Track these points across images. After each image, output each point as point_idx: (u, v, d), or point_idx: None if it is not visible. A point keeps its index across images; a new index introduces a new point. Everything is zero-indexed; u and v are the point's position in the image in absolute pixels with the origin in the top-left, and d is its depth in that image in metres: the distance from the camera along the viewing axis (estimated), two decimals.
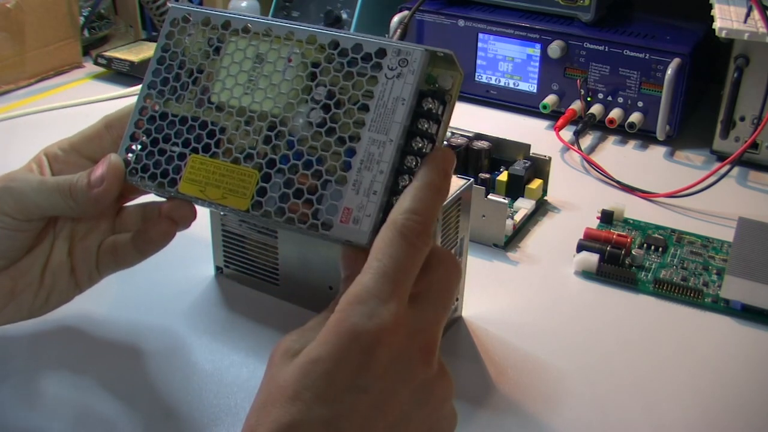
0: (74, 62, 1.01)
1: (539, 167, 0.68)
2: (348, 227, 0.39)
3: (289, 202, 0.40)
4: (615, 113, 0.82)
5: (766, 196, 0.74)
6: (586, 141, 0.83)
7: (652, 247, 0.62)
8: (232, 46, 0.44)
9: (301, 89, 0.41)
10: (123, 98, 0.92)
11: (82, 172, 0.45)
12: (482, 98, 0.91)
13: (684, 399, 0.48)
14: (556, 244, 0.64)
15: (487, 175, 0.67)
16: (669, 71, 0.78)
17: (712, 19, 0.74)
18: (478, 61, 0.89)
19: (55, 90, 0.95)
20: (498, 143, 0.69)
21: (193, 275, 0.59)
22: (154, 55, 0.46)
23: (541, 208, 0.69)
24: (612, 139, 0.84)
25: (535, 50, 0.86)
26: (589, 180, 0.76)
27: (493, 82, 0.90)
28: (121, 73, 0.97)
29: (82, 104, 0.90)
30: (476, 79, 0.90)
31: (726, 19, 0.73)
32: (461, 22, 0.89)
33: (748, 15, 0.72)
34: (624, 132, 0.83)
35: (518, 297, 0.58)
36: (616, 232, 0.63)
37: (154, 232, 0.47)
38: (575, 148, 0.79)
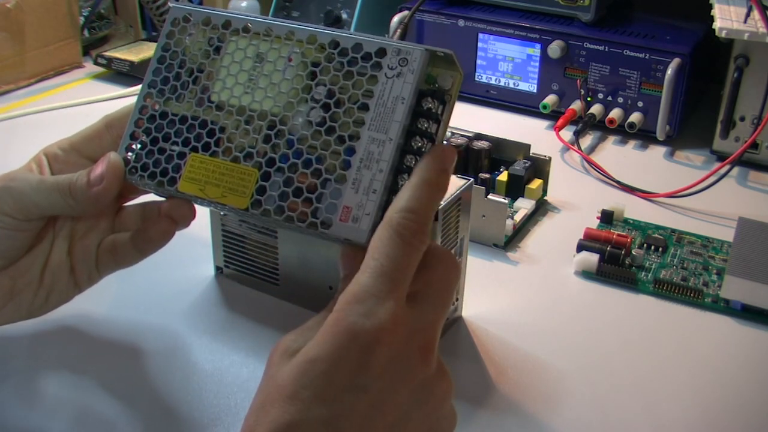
0: (74, 62, 1.01)
1: (539, 167, 0.68)
2: (347, 226, 0.39)
3: (289, 201, 0.40)
4: (615, 113, 0.82)
5: (766, 196, 0.74)
6: (586, 141, 0.83)
7: (652, 247, 0.62)
8: (233, 46, 0.44)
9: (301, 88, 0.41)
10: (123, 98, 0.92)
11: (81, 171, 0.45)
12: (482, 98, 0.91)
13: (684, 399, 0.48)
14: (556, 244, 0.64)
15: (487, 175, 0.67)
16: (669, 71, 0.78)
17: (712, 19, 0.74)
18: (478, 61, 0.89)
19: (55, 90, 0.95)
20: (498, 143, 0.69)
21: (193, 275, 0.59)
22: (155, 55, 0.46)
23: (541, 208, 0.69)
24: (612, 139, 0.84)
25: (535, 50, 0.86)
26: (589, 180, 0.76)
27: (493, 82, 0.90)
28: (121, 73, 0.97)
29: (82, 104, 0.90)
30: (476, 79, 0.90)
31: (726, 19, 0.73)
32: (461, 22, 0.89)
33: (748, 15, 0.72)
34: (624, 132, 0.83)
35: (518, 297, 0.58)
36: (616, 232, 0.63)
37: (154, 231, 0.47)
38: (575, 148, 0.79)
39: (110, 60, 0.97)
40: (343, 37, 0.41)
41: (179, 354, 0.51)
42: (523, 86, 0.88)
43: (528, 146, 0.69)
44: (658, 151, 0.82)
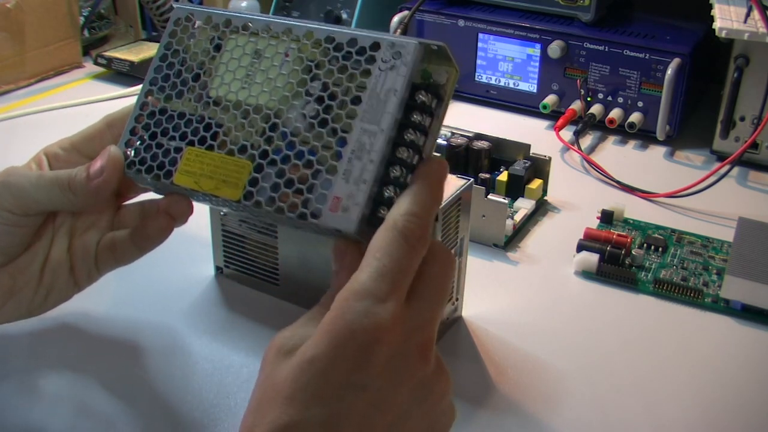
0: (74, 62, 1.01)
1: (539, 167, 0.68)
2: (336, 216, 0.39)
3: (280, 192, 0.40)
4: (615, 113, 0.82)
5: (766, 196, 0.74)
6: (586, 141, 0.83)
7: (652, 247, 0.62)
8: (232, 43, 0.44)
9: (296, 82, 0.42)
10: (123, 98, 0.92)
11: (80, 167, 0.45)
12: (482, 98, 0.91)
13: (684, 399, 0.48)
14: (556, 244, 0.64)
15: (487, 175, 0.67)
16: (669, 71, 0.78)
17: (712, 19, 0.74)
18: (478, 61, 0.89)
19: (55, 90, 0.95)
20: (498, 143, 0.69)
21: (193, 275, 0.59)
22: (157, 53, 0.47)
23: (541, 208, 0.69)
24: (612, 139, 0.84)
25: (535, 50, 0.86)
26: (589, 180, 0.76)
27: (493, 82, 0.90)
28: (121, 73, 0.97)
29: (82, 104, 0.90)
30: (476, 79, 0.90)
31: (726, 19, 0.73)
32: (461, 22, 0.89)
33: (748, 15, 0.72)
34: (624, 132, 0.83)
35: (518, 297, 0.58)
36: (616, 232, 0.63)
37: (152, 228, 0.47)
38: (575, 148, 0.79)
39: (110, 60, 0.97)
40: (338, 32, 0.42)
41: (179, 354, 0.51)
42: (523, 86, 0.88)
43: (528, 146, 0.69)
44: (658, 151, 0.82)
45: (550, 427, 0.46)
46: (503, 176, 0.67)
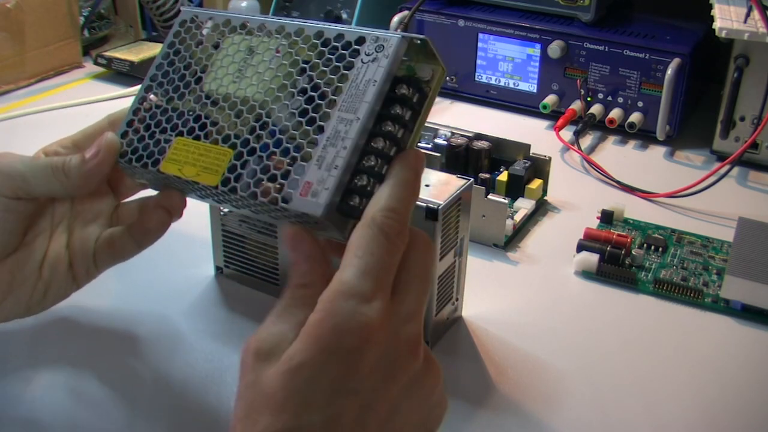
0: (74, 62, 1.01)
1: (539, 167, 0.68)
2: (305, 200, 0.39)
3: (256, 178, 0.41)
4: (615, 113, 0.82)
5: (766, 196, 0.74)
6: (586, 141, 0.83)
7: (652, 247, 0.62)
8: (228, 41, 0.46)
9: (284, 76, 0.42)
10: (123, 98, 0.92)
11: (76, 155, 0.46)
12: (482, 98, 0.91)
13: (684, 399, 0.48)
14: (556, 244, 0.64)
15: (487, 175, 0.67)
16: (669, 71, 0.78)
17: (712, 19, 0.74)
18: (478, 61, 0.89)
19: (55, 90, 0.95)
20: (498, 143, 0.69)
21: (193, 275, 0.59)
22: (161, 52, 0.48)
23: (541, 208, 0.69)
24: (612, 139, 0.84)
25: (535, 50, 0.86)
26: (589, 180, 0.76)
27: (493, 82, 0.90)
28: (121, 73, 0.97)
29: (82, 104, 0.90)
30: (476, 79, 0.90)
31: (726, 19, 0.73)
32: (461, 22, 0.89)
33: (748, 15, 0.72)
34: (624, 132, 0.83)
35: (518, 297, 0.58)
36: (616, 232, 0.63)
37: (150, 222, 0.47)
38: (575, 148, 0.79)
39: (110, 60, 0.97)
40: (327, 28, 0.42)
41: (179, 354, 0.51)
42: (523, 86, 0.88)
43: (528, 146, 0.69)
44: (658, 151, 0.82)
45: (550, 427, 0.46)
46: (503, 176, 0.67)
